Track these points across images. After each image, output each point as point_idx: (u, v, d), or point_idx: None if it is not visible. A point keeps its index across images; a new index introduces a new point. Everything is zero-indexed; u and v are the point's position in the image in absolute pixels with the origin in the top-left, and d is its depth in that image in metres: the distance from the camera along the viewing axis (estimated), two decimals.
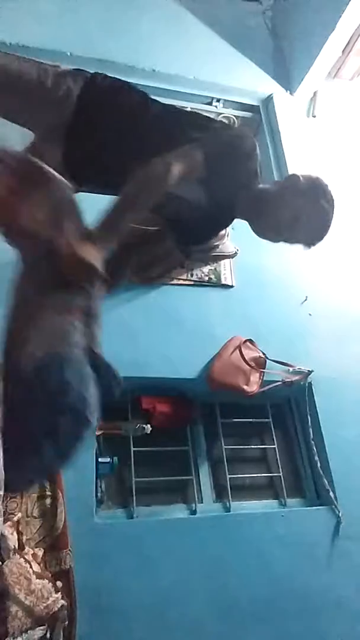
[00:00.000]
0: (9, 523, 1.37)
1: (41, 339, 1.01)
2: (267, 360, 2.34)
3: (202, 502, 2.18)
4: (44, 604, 1.35)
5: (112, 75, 1.38)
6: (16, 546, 1.36)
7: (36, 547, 1.49)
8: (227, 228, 2.50)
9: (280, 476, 2.32)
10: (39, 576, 1.38)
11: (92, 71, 1.39)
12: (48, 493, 1.60)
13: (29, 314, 1.05)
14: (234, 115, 3.48)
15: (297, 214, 1.35)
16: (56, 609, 1.40)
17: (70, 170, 1.29)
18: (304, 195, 1.38)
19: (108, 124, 1.27)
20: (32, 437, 0.94)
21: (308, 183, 1.41)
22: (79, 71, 1.33)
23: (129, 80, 3.09)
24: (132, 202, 1.18)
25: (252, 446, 2.44)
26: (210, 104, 3.42)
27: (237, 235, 2.56)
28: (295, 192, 1.38)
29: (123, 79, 3.13)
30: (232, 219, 1.54)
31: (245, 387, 2.23)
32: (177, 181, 1.19)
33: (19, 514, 1.44)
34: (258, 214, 1.38)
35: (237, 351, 2.27)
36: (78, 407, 0.98)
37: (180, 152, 1.23)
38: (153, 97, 1.51)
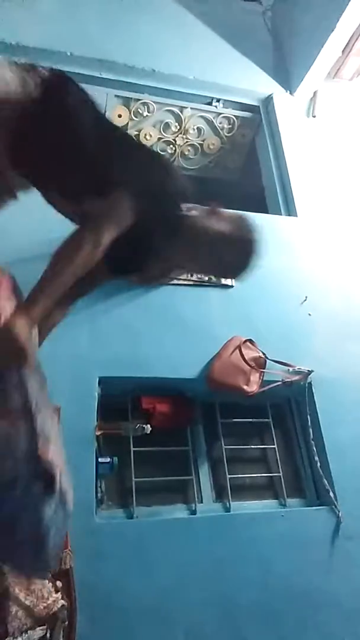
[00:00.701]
0: None
1: None
2: (267, 360, 2.34)
3: (202, 502, 2.18)
4: (44, 604, 1.35)
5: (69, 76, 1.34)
6: None
7: None
8: None
9: (280, 476, 2.32)
10: None
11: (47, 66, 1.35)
12: None
13: None
14: (234, 115, 3.49)
15: (220, 236, 1.31)
16: (56, 609, 1.41)
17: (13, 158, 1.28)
18: (225, 220, 1.34)
19: (56, 132, 1.25)
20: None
21: (231, 213, 1.37)
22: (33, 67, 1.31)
23: (128, 81, 3.17)
24: (59, 278, 1.14)
25: (252, 446, 2.44)
26: (210, 104, 3.42)
27: None
28: (217, 217, 1.34)
29: (123, 79, 3.19)
30: (155, 255, 1.47)
31: (245, 387, 2.23)
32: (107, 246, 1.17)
33: None
34: (178, 236, 1.34)
35: (237, 351, 2.27)
36: (32, 530, 0.94)
37: (108, 207, 1.19)
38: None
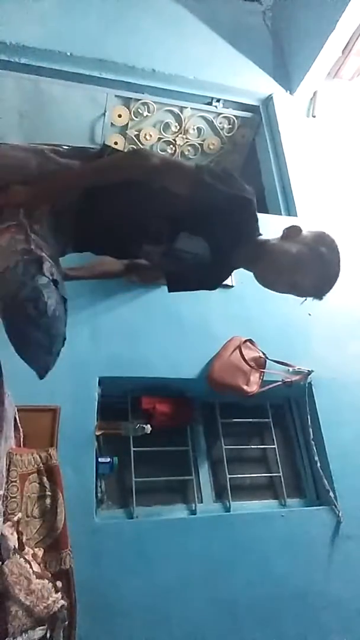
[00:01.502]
0: (9, 523, 1.36)
1: None
2: (267, 360, 2.34)
3: (202, 502, 2.18)
4: (44, 604, 1.35)
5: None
6: (16, 546, 1.35)
7: (36, 547, 1.49)
8: None
9: (280, 476, 2.32)
10: (39, 576, 1.37)
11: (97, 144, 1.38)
12: (48, 493, 1.60)
13: None
14: (234, 115, 3.49)
15: (297, 259, 1.33)
16: (56, 609, 1.40)
17: (82, 246, 1.39)
18: (303, 242, 1.37)
19: (113, 203, 1.27)
20: (23, 334, 1.10)
21: (311, 234, 1.39)
22: (79, 150, 1.33)
23: (128, 81, 3.17)
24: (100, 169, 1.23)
25: (252, 446, 2.44)
26: (210, 104, 3.42)
27: None
28: (296, 239, 1.38)
29: (123, 79, 3.19)
30: (231, 270, 1.51)
31: (245, 387, 2.23)
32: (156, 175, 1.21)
33: (19, 514, 1.44)
34: (258, 260, 1.36)
35: (237, 351, 2.27)
36: (33, 295, 1.08)
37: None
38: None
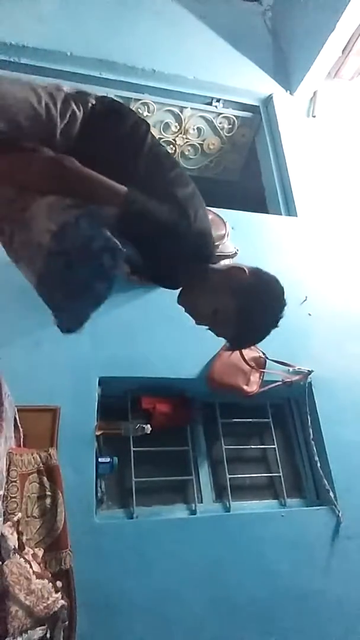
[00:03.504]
0: (9, 523, 1.36)
1: (43, 219, 1.10)
2: (267, 360, 2.34)
3: (202, 502, 2.18)
4: (44, 604, 1.35)
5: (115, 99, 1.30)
6: (16, 546, 1.35)
7: (36, 547, 1.49)
8: (227, 228, 2.51)
9: (280, 476, 2.32)
10: (39, 576, 1.37)
11: (93, 87, 1.32)
12: (48, 493, 1.60)
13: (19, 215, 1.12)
14: (234, 115, 3.49)
15: (238, 312, 1.23)
16: (56, 609, 1.40)
17: None
18: (256, 297, 1.25)
19: (105, 156, 1.22)
20: (85, 284, 1.12)
21: (254, 278, 1.28)
22: (81, 94, 1.27)
23: (128, 81, 3.17)
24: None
25: (252, 446, 2.44)
26: (210, 104, 3.42)
27: (237, 235, 2.57)
28: (239, 284, 1.25)
29: (123, 79, 3.19)
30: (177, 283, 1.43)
31: (245, 387, 2.23)
32: None
33: (19, 514, 1.44)
34: (192, 287, 1.31)
35: (237, 351, 2.26)
36: (108, 245, 1.09)
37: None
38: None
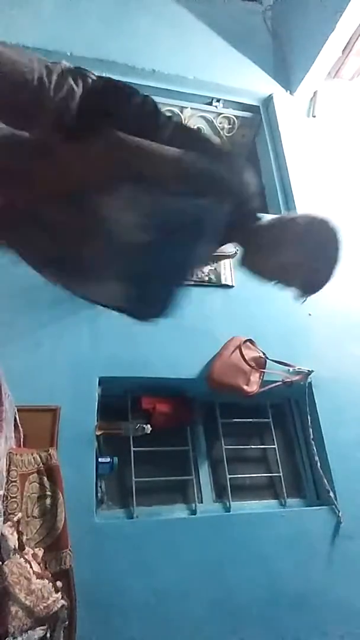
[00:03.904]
0: (9, 523, 1.36)
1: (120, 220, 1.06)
2: (267, 360, 2.34)
3: (202, 502, 2.18)
4: (44, 604, 1.35)
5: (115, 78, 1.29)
6: (16, 546, 1.36)
7: (36, 547, 1.49)
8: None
9: (280, 476, 2.32)
10: (39, 576, 1.37)
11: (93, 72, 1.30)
12: (48, 493, 1.60)
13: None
14: (234, 115, 3.49)
15: (302, 259, 1.26)
16: (56, 609, 1.40)
17: None
18: (314, 240, 1.28)
19: (122, 129, 1.19)
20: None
21: (321, 227, 1.29)
22: (80, 70, 1.26)
23: (128, 81, 3.17)
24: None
25: (252, 446, 2.44)
26: (210, 104, 3.42)
27: None
28: (306, 235, 1.28)
29: (123, 79, 3.17)
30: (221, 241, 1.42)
31: (245, 387, 2.23)
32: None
33: (19, 514, 1.44)
34: (258, 247, 1.31)
35: (237, 351, 2.27)
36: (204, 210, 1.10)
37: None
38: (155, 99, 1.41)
